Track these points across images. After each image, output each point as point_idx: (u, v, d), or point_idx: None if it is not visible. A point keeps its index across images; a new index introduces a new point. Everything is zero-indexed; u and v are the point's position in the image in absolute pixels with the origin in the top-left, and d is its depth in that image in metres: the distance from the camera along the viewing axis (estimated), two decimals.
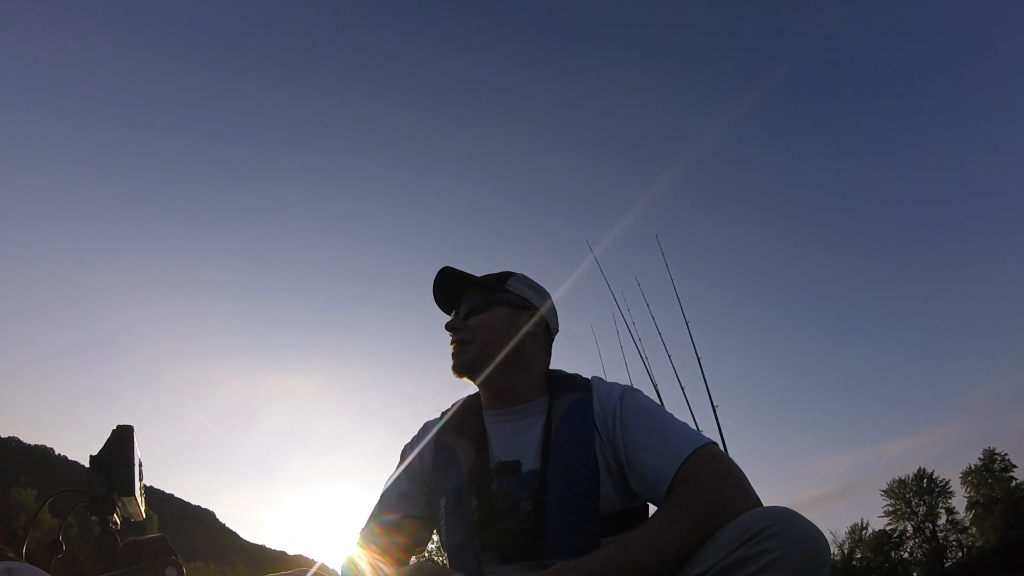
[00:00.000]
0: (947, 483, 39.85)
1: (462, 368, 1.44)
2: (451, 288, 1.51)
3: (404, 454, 1.53)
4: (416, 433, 1.55)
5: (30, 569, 1.74)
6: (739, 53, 73.21)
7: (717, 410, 4.79)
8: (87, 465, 2.06)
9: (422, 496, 1.46)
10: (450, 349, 1.47)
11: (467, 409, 1.51)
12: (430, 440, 1.49)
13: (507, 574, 1.30)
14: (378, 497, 1.49)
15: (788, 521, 0.99)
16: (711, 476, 1.16)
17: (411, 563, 1.40)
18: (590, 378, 1.46)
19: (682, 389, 4.98)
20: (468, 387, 1.55)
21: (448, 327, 1.46)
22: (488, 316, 1.45)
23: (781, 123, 68.53)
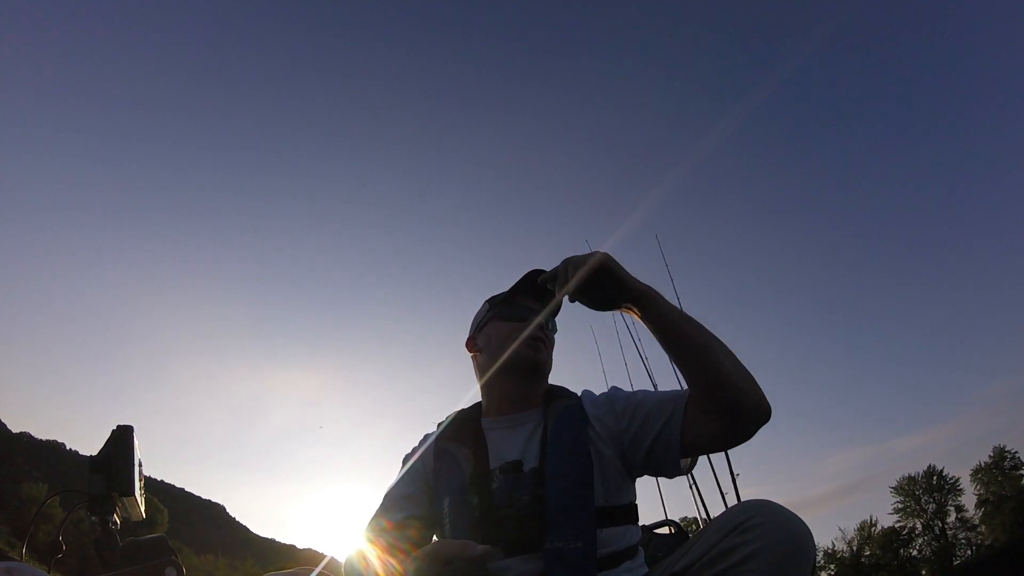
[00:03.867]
0: (957, 480, 39.71)
1: (537, 365, 1.56)
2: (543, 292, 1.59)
3: (406, 462, 1.59)
4: (417, 444, 1.62)
5: (30, 569, 1.75)
6: (741, 56, 73.11)
7: None
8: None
9: (425, 498, 1.51)
10: (515, 338, 1.56)
11: (463, 419, 1.60)
12: (430, 447, 1.56)
13: (509, 566, 1.34)
14: (382, 498, 1.54)
15: (769, 512, 1.03)
16: None
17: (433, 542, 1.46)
18: (582, 392, 1.58)
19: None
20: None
21: (542, 329, 1.58)
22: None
23: (782, 124, 68.36)
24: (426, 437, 1.62)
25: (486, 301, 1.70)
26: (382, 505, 1.52)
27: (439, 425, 1.63)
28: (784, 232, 69.41)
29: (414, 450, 1.60)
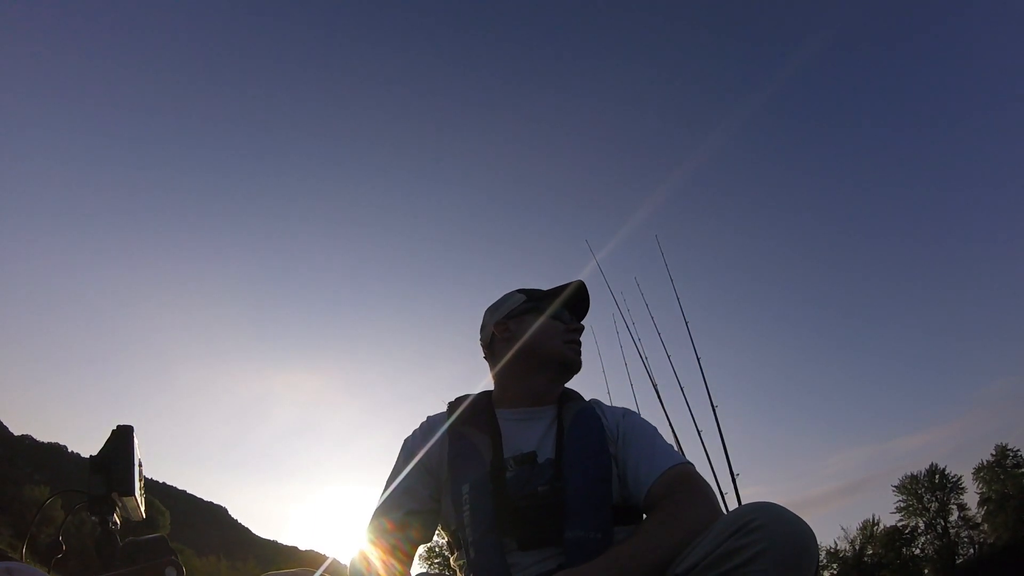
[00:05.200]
0: (959, 479, 39.60)
1: (577, 365, 1.62)
2: (583, 302, 1.71)
3: (407, 448, 1.55)
4: (418, 427, 1.58)
5: (30, 569, 1.75)
6: (741, 57, 73.10)
7: (717, 410, 4.75)
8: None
9: (427, 491, 1.49)
10: (567, 339, 1.62)
11: (477, 406, 1.57)
12: (443, 433, 1.53)
13: (525, 561, 1.33)
14: (382, 492, 1.52)
15: (773, 513, 1.04)
16: (683, 487, 1.32)
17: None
18: (589, 400, 1.62)
19: (681, 389, 4.94)
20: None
21: (580, 331, 1.66)
22: None
23: (782, 126, 68.35)
24: (430, 420, 1.58)
25: (519, 291, 1.68)
26: (382, 502, 1.50)
27: (449, 405, 1.60)
28: (784, 232, 69.42)
29: (416, 434, 1.57)
